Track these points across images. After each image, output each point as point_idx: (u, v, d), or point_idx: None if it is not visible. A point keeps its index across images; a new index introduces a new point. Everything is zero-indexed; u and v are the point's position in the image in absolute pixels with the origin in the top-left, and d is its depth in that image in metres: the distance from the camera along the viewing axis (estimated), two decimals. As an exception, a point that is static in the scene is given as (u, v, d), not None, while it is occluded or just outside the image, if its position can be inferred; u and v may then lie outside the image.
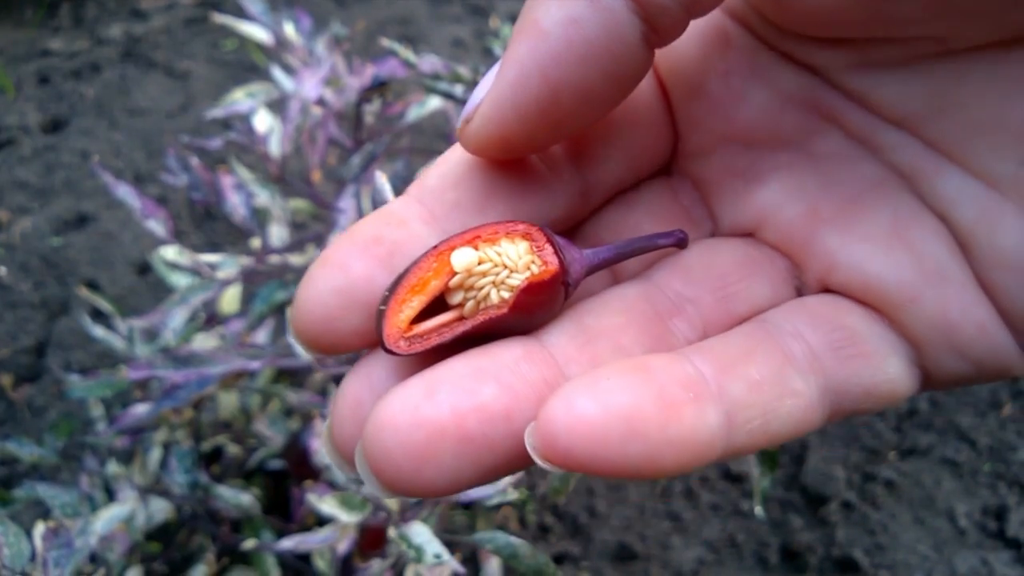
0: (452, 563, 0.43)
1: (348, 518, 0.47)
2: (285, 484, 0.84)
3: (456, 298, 0.25)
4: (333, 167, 1.33)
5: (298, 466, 0.67)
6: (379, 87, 0.68)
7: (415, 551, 0.42)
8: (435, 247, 0.25)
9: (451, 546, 0.57)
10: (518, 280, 0.25)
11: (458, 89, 0.60)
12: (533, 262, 0.26)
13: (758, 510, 0.71)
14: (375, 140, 0.67)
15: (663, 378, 0.22)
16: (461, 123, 0.26)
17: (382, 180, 0.38)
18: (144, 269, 1.26)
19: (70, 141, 1.45)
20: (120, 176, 1.39)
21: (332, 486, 0.51)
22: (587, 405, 0.21)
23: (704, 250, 0.29)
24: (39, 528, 0.66)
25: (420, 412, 0.22)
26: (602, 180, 0.29)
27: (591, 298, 0.28)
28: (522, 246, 0.26)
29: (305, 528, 0.71)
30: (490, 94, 0.25)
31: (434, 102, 0.72)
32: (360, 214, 0.69)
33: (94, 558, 0.70)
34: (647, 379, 0.22)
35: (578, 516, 1.00)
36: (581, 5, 0.23)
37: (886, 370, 0.26)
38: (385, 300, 0.24)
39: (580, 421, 0.21)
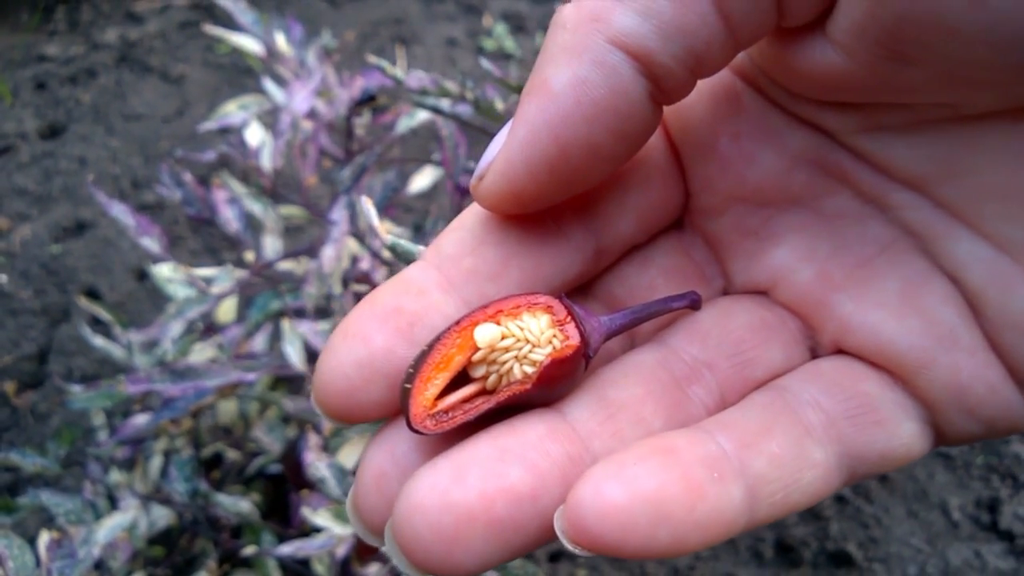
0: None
1: (342, 530, 0.48)
2: (284, 488, 0.85)
3: (479, 372, 0.26)
4: (328, 170, 1.34)
5: (294, 475, 0.69)
6: (369, 100, 0.69)
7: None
8: (458, 322, 0.25)
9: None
10: (540, 355, 0.26)
11: (445, 103, 0.61)
12: (555, 336, 0.26)
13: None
14: (366, 151, 0.68)
15: (687, 458, 0.23)
16: (474, 180, 0.27)
17: (368, 204, 0.39)
18: (143, 275, 1.27)
19: (68, 147, 1.46)
20: (117, 182, 1.40)
21: (326, 498, 0.52)
22: (615, 491, 0.22)
23: (719, 313, 0.29)
24: (43, 538, 0.67)
25: (449, 496, 0.23)
26: (615, 239, 0.29)
27: (610, 366, 0.28)
28: (543, 320, 0.26)
29: (304, 533, 0.72)
30: (502, 152, 0.25)
31: (423, 113, 0.73)
32: (352, 225, 0.70)
33: (98, 565, 0.72)
34: (672, 461, 0.23)
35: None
36: (588, 67, 0.24)
37: (901, 435, 0.27)
38: (410, 378, 0.25)
39: (609, 507, 0.21)
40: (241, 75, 1.57)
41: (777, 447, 0.25)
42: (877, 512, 1.01)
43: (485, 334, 0.25)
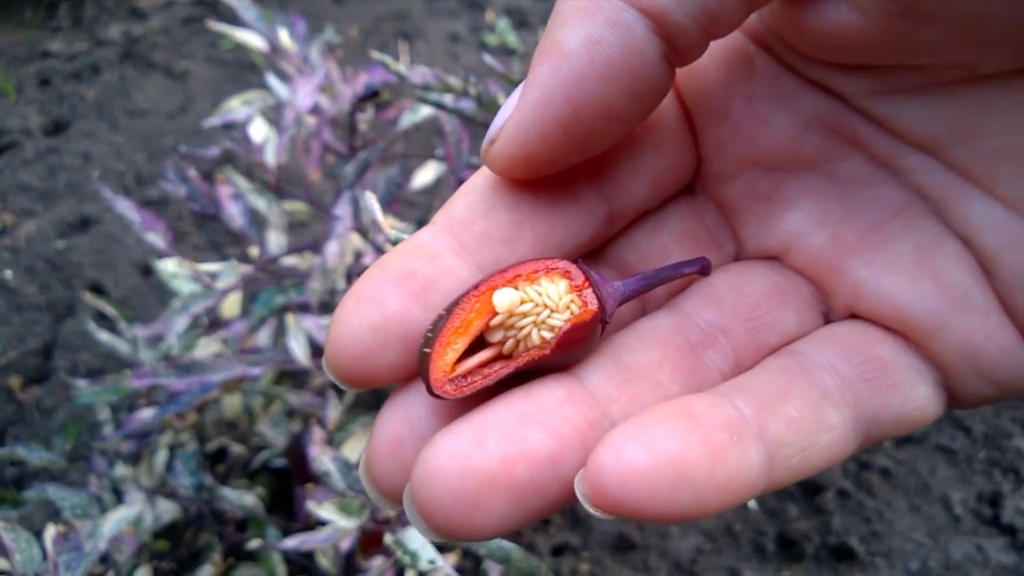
0: (446, 568, 0.45)
1: (346, 523, 0.49)
2: (289, 482, 0.85)
3: (496, 336, 0.26)
4: (331, 165, 1.34)
5: (299, 469, 0.69)
6: (372, 96, 0.69)
7: (410, 556, 0.44)
8: (476, 287, 0.25)
9: (448, 548, 0.59)
10: (559, 320, 0.26)
11: (448, 99, 0.61)
12: (573, 301, 0.26)
13: (752, 504, 0.72)
14: (369, 147, 0.68)
15: (707, 422, 0.23)
16: (485, 145, 0.26)
17: (372, 200, 0.39)
18: (148, 270, 1.27)
19: (72, 143, 1.46)
20: (122, 178, 1.41)
21: (331, 491, 0.53)
22: (636, 454, 0.22)
23: (733, 279, 0.29)
24: (50, 531, 0.68)
25: (470, 460, 0.23)
26: (627, 203, 0.29)
27: (625, 331, 0.28)
28: (561, 285, 0.26)
29: (309, 527, 0.72)
30: (514, 115, 0.25)
31: (427, 108, 0.73)
32: (356, 220, 0.70)
33: (104, 559, 0.72)
34: (692, 424, 0.23)
35: (577, 507, 1.02)
36: (601, 26, 0.24)
37: (915, 398, 0.27)
38: (429, 342, 0.25)
39: (630, 470, 0.22)
40: (245, 71, 1.57)
41: (794, 410, 0.25)
42: (879, 506, 1.02)
43: (504, 299, 0.25)
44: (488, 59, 0.63)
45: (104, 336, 0.86)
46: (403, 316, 0.25)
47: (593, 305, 0.26)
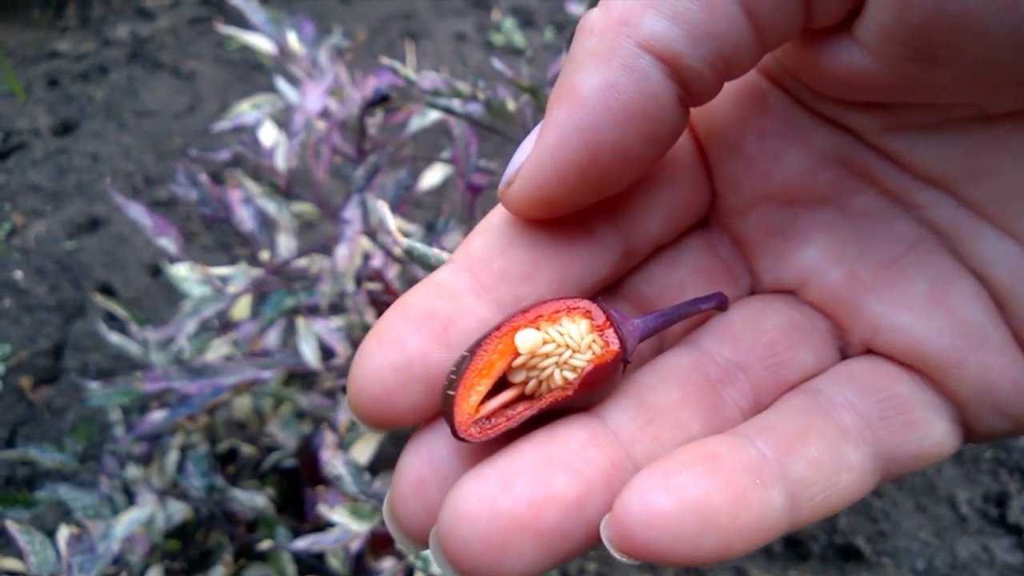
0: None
1: (358, 527, 0.49)
2: (299, 482, 0.86)
3: (518, 377, 0.26)
4: (339, 165, 1.34)
5: (309, 470, 0.70)
6: (381, 100, 0.70)
7: (422, 561, 0.44)
8: (498, 328, 0.26)
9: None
10: (581, 360, 0.26)
11: (456, 103, 0.61)
12: (595, 341, 0.26)
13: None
14: (378, 150, 0.68)
15: (729, 465, 0.23)
16: (503, 186, 0.27)
17: (383, 208, 0.40)
18: (157, 271, 1.28)
19: (81, 144, 1.47)
20: (130, 179, 1.41)
21: (342, 494, 0.53)
22: (662, 500, 0.22)
23: (750, 315, 0.29)
24: (63, 532, 0.69)
25: (498, 505, 0.23)
26: (643, 238, 0.29)
27: (644, 370, 0.28)
28: (583, 325, 0.26)
29: (319, 527, 0.73)
30: (531, 157, 0.25)
31: (435, 112, 0.73)
32: (365, 223, 0.71)
33: (116, 559, 0.73)
34: (715, 468, 0.23)
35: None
36: (617, 71, 0.24)
37: (933, 435, 0.27)
38: (452, 385, 0.25)
39: (656, 515, 0.22)
40: (252, 71, 1.58)
41: (815, 451, 0.25)
42: (886, 506, 1.02)
43: (526, 340, 0.26)
44: (497, 64, 0.64)
45: (115, 337, 0.87)
46: (424, 357, 0.25)
47: (615, 345, 0.26)
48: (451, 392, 0.25)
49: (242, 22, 0.81)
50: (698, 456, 0.23)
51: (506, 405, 0.26)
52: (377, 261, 0.81)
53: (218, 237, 1.32)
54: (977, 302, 0.27)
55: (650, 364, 0.28)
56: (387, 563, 0.65)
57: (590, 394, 0.26)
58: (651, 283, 0.30)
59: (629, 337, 0.27)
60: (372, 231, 0.71)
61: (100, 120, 1.51)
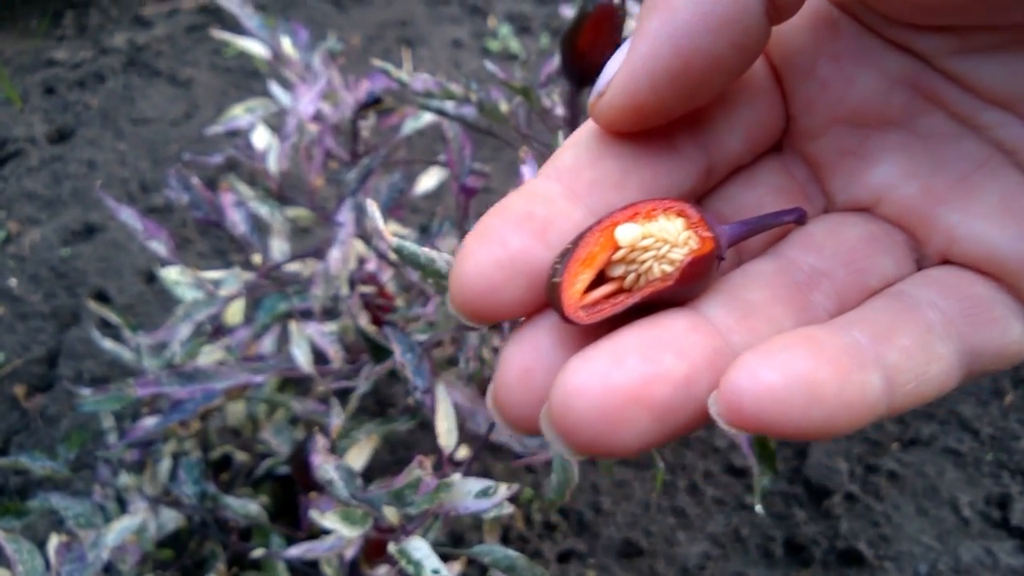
0: (449, 576, 0.44)
1: (349, 532, 0.49)
2: (293, 490, 0.85)
3: (617, 271, 0.27)
4: (333, 171, 1.34)
5: (303, 477, 0.69)
6: (374, 103, 0.69)
7: (414, 566, 0.43)
8: (599, 222, 0.27)
9: (453, 557, 0.59)
10: (679, 254, 0.27)
11: (450, 105, 0.61)
12: (691, 237, 0.27)
13: (759, 508, 0.72)
14: (372, 153, 0.68)
15: (830, 347, 0.24)
16: (593, 98, 0.28)
17: (373, 208, 0.39)
18: (152, 278, 1.27)
19: (77, 151, 1.46)
20: (126, 186, 1.41)
21: (334, 499, 0.53)
22: (769, 374, 0.23)
23: (829, 227, 0.31)
24: (53, 541, 0.68)
25: (611, 379, 0.24)
26: (724, 156, 0.31)
27: (733, 273, 0.30)
28: (678, 223, 0.27)
29: (313, 535, 0.72)
30: (624, 67, 0.27)
31: (429, 115, 0.73)
32: (359, 227, 0.70)
33: (108, 568, 0.72)
34: (817, 349, 0.24)
35: (584, 513, 1.01)
36: None
37: (1012, 333, 0.28)
38: (558, 273, 0.26)
39: (765, 388, 0.23)
40: (248, 78, 1.57)
41: (906, 340, 0.26)
42: (887, 510, 1.01)
43: (627, 233, 0.27)
44: (490, 66, 0.63)
45: (108, 344, 0.86)
46: (526, 253, 0.26)
47: (710, 240, 0.27)
48: (557, 280, 0.26)
49: (238, 29, 0.81)
50: (800, 339, 0.24)
51: (607, 297, 0.27)
52: (371, 265, 0.81)
53: (213, 244, 1.32)
54: None
55: (738, 269, 0.30)
56: (381, 570, 0.64)
57: (688, 288, 0.27)
58: (730, 202, 0.32)
59: (721, 238, 0.28)
60: (366, 235, 0.70)
61: (96, 127, 1.50)
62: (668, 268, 0.27)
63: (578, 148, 0.29)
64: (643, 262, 0.27)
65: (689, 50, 0.26)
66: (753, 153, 0.32)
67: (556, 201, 0.28)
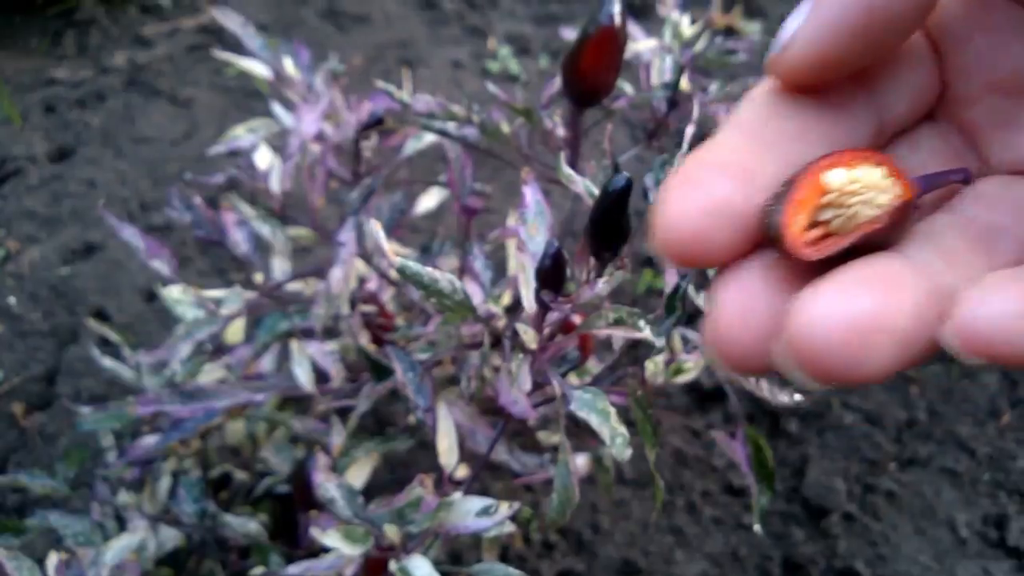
0: (451, 594, 0.45)
1: (350, 551, 0.49)
2: (293, 507, 0.85)
3: (825, 215, 0.28)
4: (334, 190, 1.35)
5: (302, 496, 0.69)
6: (376, 124, 0.70)
7: (413, 582, 0.44)
8: (806, 169, 0.28)
9: None
10: (885, 199, 0.28)
11: (451, 126, 0.61)
12: (894, 184, 0.28)
13: (757, 528, 0.72)
14: (373, 173, 0.68)
15: None
16: (773, 54, 0.30)
17: (377, 228, 0.40)
18: (152, 296, 1.27)
19: (77, 170, 1.47)
20: (126, 205, 1.41)
21: (335, 518, 0.53)
22: (1001, 304, 0.24)
23: (998, 185, 0.32)
24: (52, 559, 0.68)
25: (854, 308, 0.25)
26: (892, 117, 0.32)
27: (920, 224, 0.31)
28: (878, 172, 0.28)
29: (312, 553, 0.72)
30: (809, 21, 0.28)
31: (430, 136, 0.73)
32: (360, 246, 0.70)
33: (107, 587, 0.72)
34: None
35: (582, 532, 1.01)
36: None
37: None
38: (776, 213, 0.27)
39: (1000, 316, 0.24)
40: (249, 97, 1.58)
41: None
42: (885, 529, 1.01)
43: (836, 178, 0.28)
44: (492, 88, 0.64)
45: (108, 362, 0.86)
46: (731, 200, 0.27)
47: (913, 187, 0.29)
48: (777, 219, 0.27)
49: (239, 49, 0.82)
50: (1009, 277, 0.25)
51: (821, 238, 0.28)
52: (372, 284, 0.81)
53: (213, 263, 1.32)
54: None
55: (922, 222, 0.31)
56: (381, 589, 0.64)
57: (894, 232, 0.28)
58: (897, 163, 0.33)
59: (915, 185, 0.29)
60: (367, 254, 0.71)
61: (97, 146, 1.51)
62: (875, 212, 0.28)
63: (756, 104, 0.30)
64: (851, 206, 0.28)
65: (873, 5, 0.27)
66: (914, 117, 0.33)
67: (747, 152, 0.29)
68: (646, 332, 0.40)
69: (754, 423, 1.11)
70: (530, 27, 1.72)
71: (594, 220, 0.42)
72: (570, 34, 0.83)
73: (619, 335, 0.41)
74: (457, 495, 0.48)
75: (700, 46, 0.78)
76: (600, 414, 0.43)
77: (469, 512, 0.47)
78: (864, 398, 1.13)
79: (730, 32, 1.71)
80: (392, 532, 0.50)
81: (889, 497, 1.04)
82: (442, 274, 0.37)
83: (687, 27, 0.80)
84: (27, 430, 1.14)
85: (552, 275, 0.46)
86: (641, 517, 1.03)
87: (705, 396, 1.15)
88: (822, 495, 1.03)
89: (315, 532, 0.49)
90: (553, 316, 0.49)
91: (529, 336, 0.48)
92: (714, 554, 1.00)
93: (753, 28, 1.70)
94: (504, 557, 0.96)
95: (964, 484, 1.05)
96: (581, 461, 0.83)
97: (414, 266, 0.36)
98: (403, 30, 1.70)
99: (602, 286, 0.41)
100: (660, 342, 0.41)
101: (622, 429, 0.42)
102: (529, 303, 0.47)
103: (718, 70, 1.57)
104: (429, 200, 0.88)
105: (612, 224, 0.41)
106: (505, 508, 0.46)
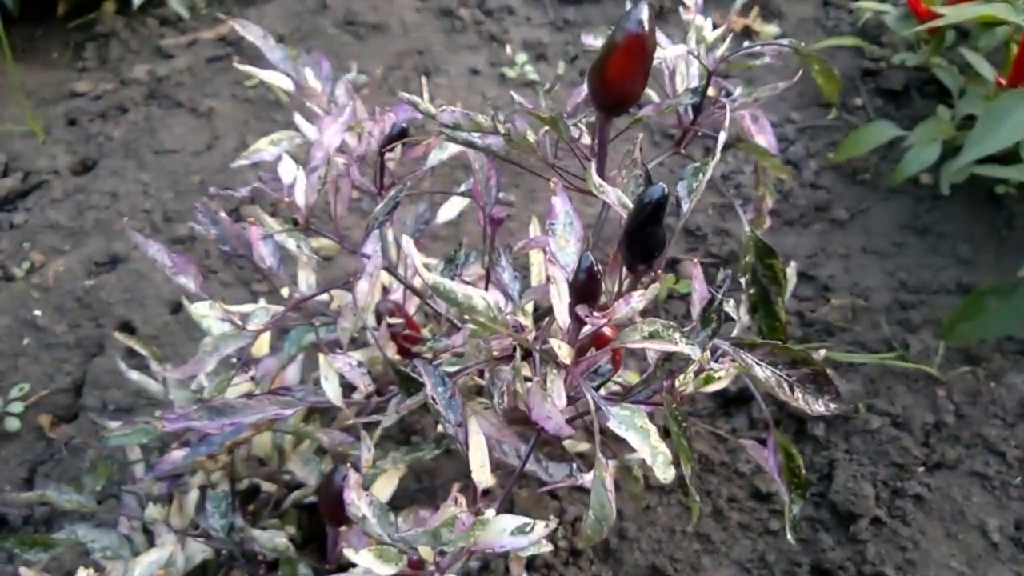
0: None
1: (384, 571, 0.49)
2: (319, 519, 0.85)
3: None
4: (357, 199, 1.35)
5: (330, 509, 0.69)
6: (400, 135, 0.70)
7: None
8: None
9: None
10: None
11: (476, 136, 0.61)
12: None
13: (790, 537, 0.71)
14: (398, 185, 0.68)
15: None
16: None
17: (410, 246, 0.40)
18: (178, 308, 1.28)
19: (99, 182, 1.48)
20: (149, 216, 1.42)
21: (366, 534, 0.53)
22: None
23: None
24: (81, 574, 0.68)
25: None
26: None
27: None
28: None
29: (341, 567, 0.72)
30: None
31: (454, 146, 0.73)
32: (384, 258, 0.70)
33: (137, 601, 0.72)
34: None
35: (608, 539, 1.01)
36: None
37: None
38: None
39: None
40: (269, 108, 1.59)
41: None
42: (914, 534, 1.00)
43: None
44: (516, 96, 0.64)
45: (135, 375, 0.87)
46: None
47: None
48: None
49: (259, 60, 0.82)
50: None
51: None
52: (396, 294, 0.81)
53: (237, 273, 1.33)
54: None
55: None
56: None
57: None
58: None
59: None
60: (391, 266, 0.71)
61: (119, 159, 1.52)
62: None
63: None
64: None
65: None
66: None
67: None
68: (683, 346, 0.40)
69: (780, 428, 1.10)
70: (547, 33, 1.72)
71: (629, 232, 0.42)
72: (591, 40, 0.83)
73: (654, 349, 0.41)
74: (491, 512, 0.48)
75: (722, 50, 0.77)
76: (639, 432, 0.42)
77: (504, 531, 0.46)
78: (890, 402, 1.12)
79: (747, 34, 1.70)
80: (426, 552, 0.50)
81: (918, 501, 1.03)
82: (476, 292, 0.37)
83: (710, 31, 0.80)
84: (54, 442, 1.14)
85: (587, 289, 0.45)
86: (667, 523, 1.02)
87: (729, 400, 1.14)
88: (850, 500, 1.02)
89: (348, 554, 0.49)
90: (586, 329, 0.49)
91: (564, 351, 0.47)
92: (741, 560, 1.00)
93: (771, 31, 1.69)
94: (531, 564, 0.96)
95: (995, 487, 1.04)
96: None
97: (448, 283, 0.36)
98: (420, 38, 1.71)
99: (638, 300, 0.40)
100: (697, 354, 0.41)
101: (663, 448, 0.42)
102: (563, 317, 0.47)
103: (739, 73, 1.56)
104: (451, 210, 0.88)
105: (648, 236, 0.41)
106: (541, 527, 0.45)
